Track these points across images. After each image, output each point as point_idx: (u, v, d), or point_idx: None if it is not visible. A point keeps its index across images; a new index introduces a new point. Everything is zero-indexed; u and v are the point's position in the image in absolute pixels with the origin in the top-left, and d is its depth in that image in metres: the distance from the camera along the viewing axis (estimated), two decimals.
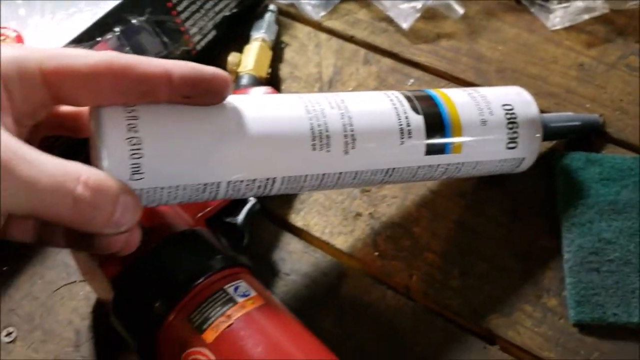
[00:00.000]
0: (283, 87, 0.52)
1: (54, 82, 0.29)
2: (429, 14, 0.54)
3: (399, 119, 0.36)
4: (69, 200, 0.27)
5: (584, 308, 0.39)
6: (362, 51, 0.53)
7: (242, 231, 0.40)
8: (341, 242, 0.43)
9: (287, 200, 0.45)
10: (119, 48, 0.44)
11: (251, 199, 0.41)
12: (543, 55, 0.52)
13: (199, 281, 0.33)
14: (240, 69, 0.49)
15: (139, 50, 0.45)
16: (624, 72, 0.50)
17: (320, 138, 0.34)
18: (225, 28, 0.51)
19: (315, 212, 0.45)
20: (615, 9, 0.53)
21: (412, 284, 0.41)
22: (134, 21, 0.45)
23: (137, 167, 0.30)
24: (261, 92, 0.46)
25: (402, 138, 0.36)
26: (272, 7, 0.54)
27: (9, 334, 0.41)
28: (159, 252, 0.34)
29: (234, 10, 0.52)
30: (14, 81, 0.29)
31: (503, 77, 0.50)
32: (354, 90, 0.51)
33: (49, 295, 0.42)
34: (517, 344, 0.38)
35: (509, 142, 0.40)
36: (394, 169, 0.37)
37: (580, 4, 0.52)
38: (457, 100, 0.39)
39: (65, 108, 0.34)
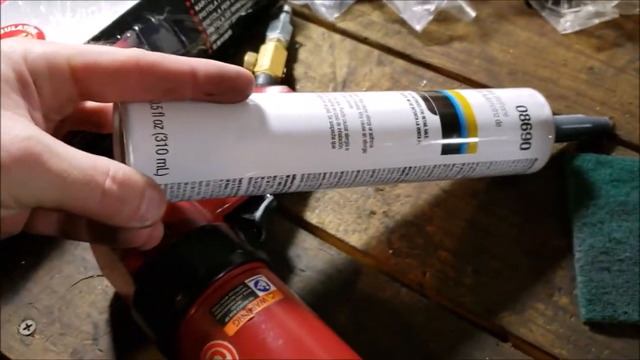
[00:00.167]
0: (298, 86, 0.52)
1: (82, 78, 0.30)
2: (441, 17, 0.55)
3: (417, 119, 0.37)
4: (97, 193, 0.27)
5: (595, 306, 0.39)
6: (376, 52, 0.54)
7: (260, 227, 0.40)
8: (356, 240, 0.44)
9: (302, 198, 0.46)
10: (138, 46, 0.45)
11: (268, 196, 0.41)
12: (554, 59, 0.52)
13: (220, 275, 0.33)
14: (256, 69, 0.50)
15: (157, 48, 0.46)
16: (633, 75, 0.51)
17: (339, 136, 0.34)
18: (240, 28, 0.52)
19: (330, 210, 0.45)
20: (624, 14, 0.53)
21: (426, 282, 0.42)
22: (152, 20, 0.45)
23: (163, 162, 0.30)
24: (277, 91, 0.46)
25: (419, 137, 0.37)
26: (286, 7, 0.55)
27: (27, 327, 0.41)
28: (180, 247, 0.35)
29: (250, 11, 0.52)
30: (44, 77, 0.29)
31: (515, 79, 0.51)
32: (367, 90, 0.51)
33: (68, 289, 0.43)
34: (530, 341, 0.39)
35: (523, 143, 0.40)
36: (410, 167, 0.37)
37: (590, 8, 0.53)
38: (472, 101, 0.39)
39: (90, 104, 0.34)
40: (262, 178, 0.33)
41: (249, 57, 0.51)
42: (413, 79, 0.52)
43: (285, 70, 0.51)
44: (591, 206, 0.43)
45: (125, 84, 0.30)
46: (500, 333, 0.40)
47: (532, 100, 0.42)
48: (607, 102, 0.49)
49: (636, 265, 0.41)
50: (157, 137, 0.30)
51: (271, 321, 0.32)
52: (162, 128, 0.30)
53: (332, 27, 0.56)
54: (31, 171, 0.26)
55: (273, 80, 0.49)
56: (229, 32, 0.51)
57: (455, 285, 0.41)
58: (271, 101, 0.34)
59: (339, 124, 0.34)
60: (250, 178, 0.33)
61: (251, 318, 0.32)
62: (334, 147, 0.34)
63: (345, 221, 0.45)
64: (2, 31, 0.45)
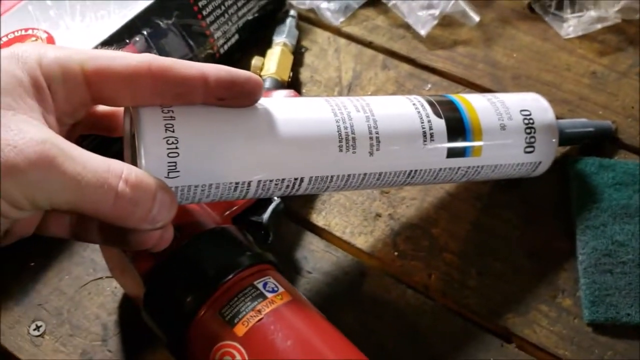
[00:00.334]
0: (304, 90, 0.53)
1: (95, 82, 0.30)
2: (445, 21, 0.56)
3: (422, 123, 0.37)
4: (111, 196, 0.28)
5: (598, 308, 0.40)
6: (381, 56, 0.54)
7: (267, 230, 0.41)
8: (361, 242, 0.44)
9: (309, 201, 0.46)
10: (147, 50, 0.45)
11: (275, 198, 0.42)
12: (557, 63, 0.53)
13: (230, 277, 0.34)
14: (263, 73, 0.50)
15: (165, 52, 0.46)
16: (635, 80, 0.51)
17: (346, 140, 0.35)
18: (247, 32, 0.53)
19: (336, 213, 0.46)
20: (626, 19, 0.54)
21: (431, 284, 0.42)
22: (161, 24, 0.46)
23: (174, 165, 0.31)
24: (283, 95, 0.47)
25: (425, 141, 0.37)
26: (292, 12, 0.55)
27: (37, 328, 0.42)
28: (190, 249, 0.35)
29: (256, 15, 0.53)
30: (58, 81, 0.30)
31: (518, 83, 0.52)
32: (373, 94, 0.52)
33: (77, 290, 0.43)
34: (533, 342, 0.40)
35: (527, 147, 0.41)
36: (416, 170, 0.38)
37: (593, 13, 0.53)
38: (477, 105, 0.40)
39: (101, 108, 0.35)
40: (271, 181, 0.34)
41: (256, 61, 0.51)
42: (417, 83, 0.53)
43: (291, 74, 0.52)
44: (594, 209, 0.44)
45: (137, 89, 0.30)
46: (504, 334, 0.40)
47: (536, 105, 0.42)
48: (610, 106, 0.50)
49: (638, 267, 0.41)
50: (168, 140, 0.30)
51: (280, 322, 0.32)
52: (173, 132, 0.31)
53: (337, 32, 0.57)
54: (46, 174, 0.26)
55: (279, 84, 0.50)
56: (236, 37, 0.52)
57: (460, 287, 0.42)
58: (280, 105, 0.34)
59: (346, 128, 0.35)
60: (259, 181, 0.33)
61: (260, 319, 0.32)
62: (341, 150, 0.35)
63: (351, 223, 0.45)
64: (12, 35, 0.45)
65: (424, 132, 0.37)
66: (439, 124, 0.38)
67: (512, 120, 0.40)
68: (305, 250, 0.44)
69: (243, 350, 0.32)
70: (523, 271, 0.42)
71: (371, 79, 0.53)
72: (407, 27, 0.56)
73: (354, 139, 0.35)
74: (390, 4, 0.56)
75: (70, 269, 0.44)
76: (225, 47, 0.51)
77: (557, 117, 0.43)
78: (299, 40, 0.55)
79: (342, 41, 0.56)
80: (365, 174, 0.36)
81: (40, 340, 0.41)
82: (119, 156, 0.34)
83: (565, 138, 0.45)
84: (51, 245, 0.45)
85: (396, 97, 0.39)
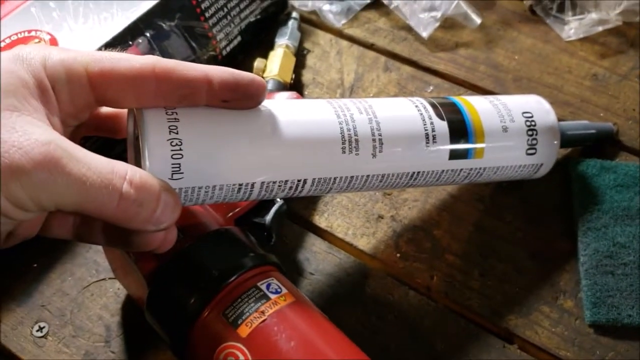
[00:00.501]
0: (306, 92, 0.53)
1: (99, 84, 0.30)
2: (447, 24, 0.56)
3: (425, 125, 0.37)
4: (115, 197, 0.28)
5: (599, 309, 0.40)
6: (383, 58, 0.55)
7: (270, 231, 0.41)
8: (364, 244, 0.44)
9: (311, 202, 0.47)
10: (150, 52, 0.45)
11: (278, 200, 0.42)
12: (558, 65, 0.53)
13: (233, 278, 0.34)
14: (265, 74, 0.50)
15: (168, 54, 0.47)
16: (636, 82, 0.51)
17: (349, 142, 0.35)
18: (249, 34, 0.53)
19: (338, 214, 0.46)
20: (627, 22, 0.54)
21: (433, 285, 0.42)
22: (164, 26, 0.46)
23: (178, 167, 0.31)
24: (286, 97, 0.47)
25: (428, 143, 0.37)
26: (294, 14, 0.56)
27: (40, 329, 0.42)
28: (193, 250, 0.35)
29: (258, 17, 0.53)
30: (62, 83, 0.30)
31: (520, 85, 0.52)
32: (375, 96, 0.52)
33: (79, 291, 0.43)
34: (535, 344, 0.40)
35: (529, 149, 0.41)
36: (418, 172, 0.38)
37: (594, 16, 0.54)
38: (479, 107, 0.40)
39: (104, 109, 0.35)
40: (274, 182, 0.34)
41: (258, 63, 0.51)
42: (419, 85, 0.53)
43: (293, 76, 0.52)
44: (595, 211, 0.44)
45: (141, 91, 0.30)
46: (506, 335, 0.40)
47: (538, 107, 0.42)
48: (611, 109, 0.50)
49: (639, 269, 0.41)
50: (172, 142, 0.31)
51: (283, 323, 0.32)
52: (177, 133, 0.31)
53: (339, 34, 0.57)
54: (51, 175, 0.26)
55: (282, 86, 0.50)
56: (238, 38, 0.52)
57: (462, 289, 0.42)
58: (283, 107, 0.34)
59: (349, 130, 0.35)
60: (263, 182, 0.33)
61: (264, 320, 0.32)
62: (344, 152, 0.35)
63: (353, 225, 0.45)
64: (15, 37, 0.46)
65: (427, 134, 0.37)
66: (442, 126, 0.38)
67: (514, 123, 0.40)
68: (308, 251, 0.44)
69: (246, 351, 0.32)
70: (525, 272, 0.42)
71: (373, 81, 0.53)
72: (409, 29, 0.56)
73: (356, 140, 0.35)
74: (392, 6, 0.56)
75: (73, 270, 0.44)
76: (228, 49, 0.51)
77: (559, 119, 0.43)
78: (301, 42, 0.55)
79: (344, 43, 0.56)
80: (368, 176, 0.36)
81: (43, 341, 0.42)
82: (122, 158, 0.34)
83: (566, 140, 0.45)
84: (54, 247, 0.45)
85: (398, 99, 0.39)
